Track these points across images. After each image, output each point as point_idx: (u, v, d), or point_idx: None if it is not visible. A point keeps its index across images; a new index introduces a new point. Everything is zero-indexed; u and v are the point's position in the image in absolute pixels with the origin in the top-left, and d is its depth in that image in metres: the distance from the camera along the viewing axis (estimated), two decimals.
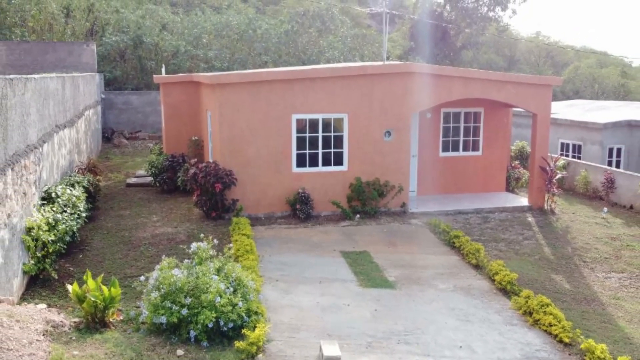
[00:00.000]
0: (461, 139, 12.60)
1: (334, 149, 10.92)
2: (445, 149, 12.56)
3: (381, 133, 10.92)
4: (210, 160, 10.27)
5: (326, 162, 10.74)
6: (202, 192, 8.57)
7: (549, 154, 11.43)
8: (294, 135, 10.63)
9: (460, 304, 4.82)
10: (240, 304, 3.76)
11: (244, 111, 10.53)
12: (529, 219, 10.02)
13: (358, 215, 10.03)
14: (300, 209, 9.78)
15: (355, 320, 4.23)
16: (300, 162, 10.62)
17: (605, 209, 10.20)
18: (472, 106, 12.32)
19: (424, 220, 9.40)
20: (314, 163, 10.70)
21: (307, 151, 10.68)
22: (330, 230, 8.20)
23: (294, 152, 10.61)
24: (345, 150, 10.99)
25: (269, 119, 10.92)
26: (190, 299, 3.72)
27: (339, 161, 10.96)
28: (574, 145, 14.53)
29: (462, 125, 12.59)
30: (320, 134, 11.05)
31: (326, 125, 10.94)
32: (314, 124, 10.91)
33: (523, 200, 11.20)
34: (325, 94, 10.77)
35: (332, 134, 11.07)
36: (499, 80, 11.87)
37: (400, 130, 10.94)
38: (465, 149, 12.83)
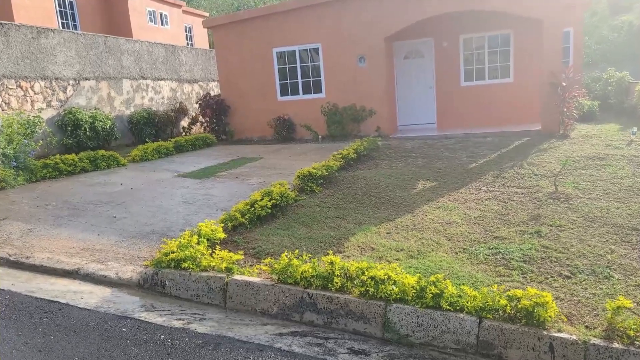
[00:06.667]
0: (486, 66, 13.58)
1: (312, 78, 13.92)
2: (468, 78, 13.93)
3: (354, 60, 13.39)
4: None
5: (307, 91, 14.01)
6: (212, 115, 15.06)
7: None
8: (276, 67, 13.87)
9: (235, 186, 8.33)
10: None
11: (234, 49, 14.09)
12: (516, 142, 11.17)
13: (320, 137, 13.63)
14: (281, 132, 14.20)
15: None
16: (284, 91, 14.10)
17: (635, 129, 10.26)
18: (497, 29, 13.07)
19: (386, 142, 12.43)
20: (295, 92, 14.01)
21: (289, 81, 13.89)
22: (282, 146, 13.14)
23: (277, 82, 14.03)
24: (323, 78, 13.90)
25: (254, 55, 14.57)
26: None
27: (318, 89, 13.94)
28: None
29: (486, 50, 13.39)
30: (298, 65, 14.18)
31: (304, 55, 13.93)
32: (292, 56, 14.22)
33: (538, 127, 11.73)
34: (299, 26, 13.29)
35: (310, 63, 14.03)
36: None
37: (372, 57, 13.16)
38: (491, 77, 13.79)
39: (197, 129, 17.98)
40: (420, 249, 5.35)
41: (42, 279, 5.11)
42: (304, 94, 14.11)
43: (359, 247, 5.48)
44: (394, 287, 4.08)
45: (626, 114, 14.40)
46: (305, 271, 4.41)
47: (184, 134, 17.46)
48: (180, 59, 18.73)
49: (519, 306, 3.72)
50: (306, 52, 13.91)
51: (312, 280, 4.37)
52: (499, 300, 3.82)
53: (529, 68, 12.97)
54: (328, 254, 5.00)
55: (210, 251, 5.20)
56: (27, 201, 7.88)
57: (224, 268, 4.79)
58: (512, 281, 4.51)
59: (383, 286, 4.09)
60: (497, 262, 4.92)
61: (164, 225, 6.49)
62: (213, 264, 4.84)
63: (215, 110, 15.20)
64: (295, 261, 4.52)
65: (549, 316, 3.64)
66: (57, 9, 20.80)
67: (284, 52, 14.08)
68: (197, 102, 16.57)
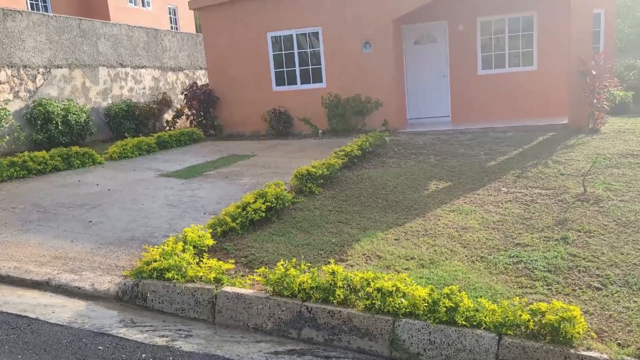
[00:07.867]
0: (507, 52, 13.85)
1: (311, 65, 14.28)
2: (487, 65, 14.19)
3: (359, 45, 13.81)
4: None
5: (306, 80, 14.37)
6: (199, 107, 15.38)
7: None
8: (271, 53, 14.28)
9: (225, 186, 8.72)
10: None
11: (224, 34, 14.49)
12: (540, 138, 11.27)
13: (321, 131, 13.80)
14: (276, 127, 14.28)
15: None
16: (280, 80, 14.43)
17: None
18: (518, 11, 13.26)
19: (394, 137, 12.66)
20: (292, 81, 14.42)
21: (285, 69, 14.24)
22: (278, 142, 13.28)
23: (272, 71, 14.45)
24: (323, 66, 14.27)
25: (247, 39, 14.68)
26: None
27: (318, 78, 14.36)
28: None
29: (507, 35, 13.65)
30: (295, 51, 14.62)
31: (303, 41, 14.39)
32: (288, 41, 14.66)
33: (565, 120, 11.89)
34: (297, 7, 13.68)
35: (309, 49, 14.45)
36: None
37: (378, 42, 13.51)
38: (512, 64, 14.09)
39: (182, 122, 17.99)
40: (433, 257, 5.35)
41: (9, 291, 5.11)
42: (302, 83, 14.12)
43: (363, 255, 5.48)
44: (403, 300, 4.08)
45: None
46: (303, 282, 4.42)
47: (167, 128, 17.48)
48: (164, 45, 18.74)
49: (543, 321, 3.72)
50: (305, 36, 13.92)
51: (311, 292, 4.38)
52: (520, 315, 3.82)
53: (554, 54, 12.97)
54: (329, 262, 5.00)
55: (197, 260, 5.20)
56: None
57: (212, 279, 4.79)
58: (535, 293, 4.51)
59: (391, 299, 4.09)
60: (518, 272, 4.92)
61: (146, 231, 6.50)
62: (200, 274, 4.84)
63: (203, 101, 15.22)
64: (292, 271, 4.52)
65: (577, 332, 3.64)
66: None
67: (280, 36, 14.09)
68: (182, 93, 16.58)
